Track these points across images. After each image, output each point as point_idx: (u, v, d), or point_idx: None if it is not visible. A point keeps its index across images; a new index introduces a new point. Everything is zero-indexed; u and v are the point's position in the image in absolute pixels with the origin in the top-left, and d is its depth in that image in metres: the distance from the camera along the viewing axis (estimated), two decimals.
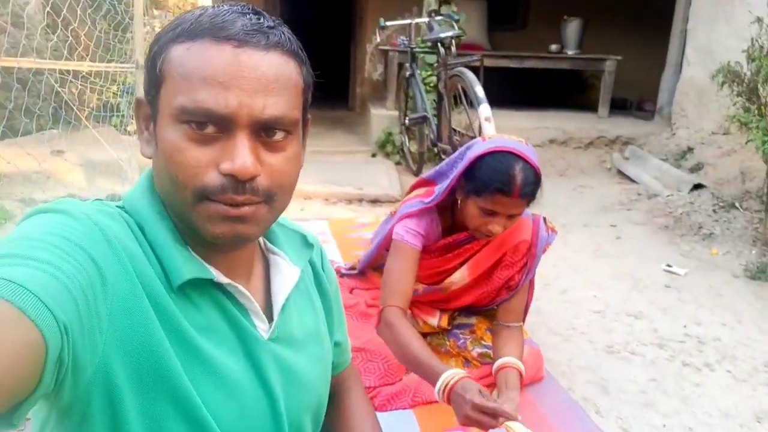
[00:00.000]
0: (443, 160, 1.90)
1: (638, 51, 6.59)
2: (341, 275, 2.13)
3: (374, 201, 4.06)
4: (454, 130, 4.22)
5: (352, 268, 2.27)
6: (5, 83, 4.12)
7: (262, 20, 0.69)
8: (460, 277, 1.85)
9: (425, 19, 4.42)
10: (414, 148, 4.78)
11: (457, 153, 1.76)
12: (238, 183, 0.66)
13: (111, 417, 0.64)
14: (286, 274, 0.84)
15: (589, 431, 1.69)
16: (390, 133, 5.28)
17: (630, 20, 6.99)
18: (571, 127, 5.46)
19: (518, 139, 1.65)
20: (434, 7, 5.05)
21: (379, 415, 1.66)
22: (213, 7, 0.70)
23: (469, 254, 1.82)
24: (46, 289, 0.52)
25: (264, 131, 0.68)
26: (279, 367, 0.79)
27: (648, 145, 5.19)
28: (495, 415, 1.31)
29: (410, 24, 4.55)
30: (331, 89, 8.44)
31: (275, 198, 0.71)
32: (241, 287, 0.75)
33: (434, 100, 4.48)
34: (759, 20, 3.42)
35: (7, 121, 3.94)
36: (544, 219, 1.85)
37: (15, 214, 3.34)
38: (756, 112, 3.26)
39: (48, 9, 4.23)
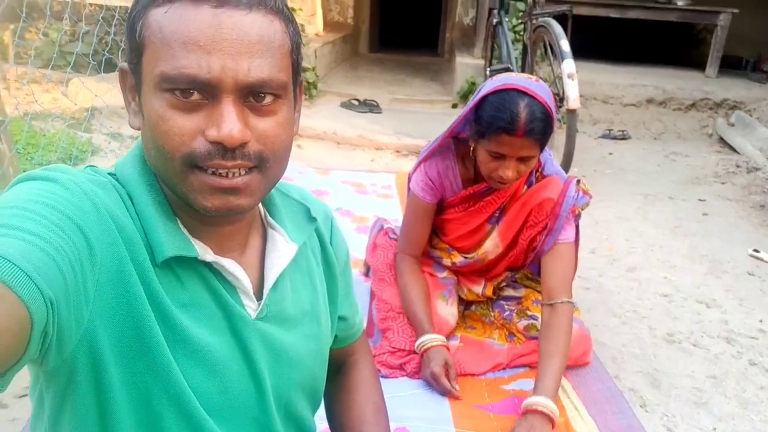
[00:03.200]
0: None
1: (759, 3, 5.92)
2: (391, 237, 2.10)
3: None
4: None
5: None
6: (104, 18, 4.30)
7: None
8: (492, 245, 1.80)
9: None
10: None
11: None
12: (227, 150, 0.64)
13: (96, 384, 0.65)
14: (282, 251, 0.81)
15: (628, 425, 1.60)
16: (474, 83, 5.07)
17: None
18: (672, 87, 5.04)
19: (528, 76, 1.56)
20: None
21: (410, 386, 1.68)
22: None
23: (492, 209, 1.75)
24: (32, 262, 0.52)
25: (252, 95, 0.65)
26: (266, 346, 0.78)
27: (759, 111, 4.71)
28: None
29: None
30: (421, 34, 8.25)
31: (268, 163, 0.68)
32: (228, 264, 0.74)
33: (521, 52, 4.25)
34: None
35: (102, 55, 4.13)
36: (578, 181, 1.73)
37: (101, 148, 3.53)
38: None
39: None
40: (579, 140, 3.62)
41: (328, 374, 0.94)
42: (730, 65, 5.86)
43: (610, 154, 4.21)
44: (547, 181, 1.72)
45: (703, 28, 6.52)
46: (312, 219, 0.87)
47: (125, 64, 0.70)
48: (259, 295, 0.78)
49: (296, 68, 0.72)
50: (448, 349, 1.72)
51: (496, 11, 4.42)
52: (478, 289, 1.93)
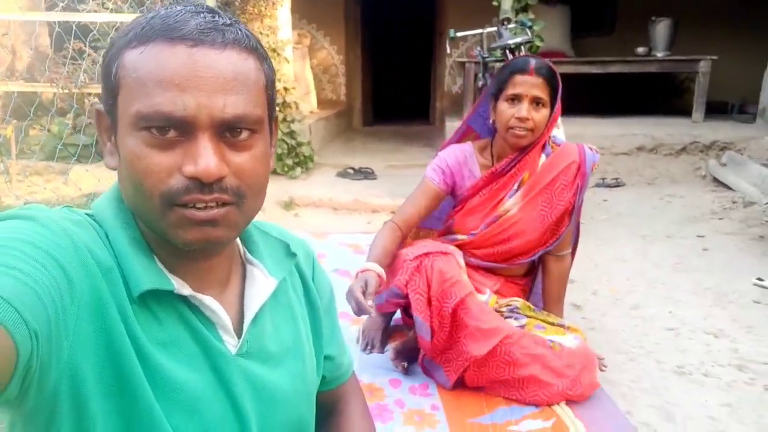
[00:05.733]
0: None
1: (738, 50, 6.12)
2: None
3: None
4: None
5: None
6: None
7: (217, 18, 0.67)
8: (513, 202, 1.91)
9: (495, 28, 4.31)
10: None
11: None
12: (204, 185, 0.64)
13: (77, 423, 0.63)
14: (261, 286, 0.80)
15: None
16: None
17: (726, 18, 6.49)
18: (661, 133, 5.12)
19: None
20: (509, 15, 4.94)
21: (408, 400, 1.77)
22: (165, 8, 0.69)
23: (515, 182, 1.91)
24: (17, 295, 0.52)
25: (228, 131, 0.66)
26: (249, 384, 0.75)
27: (748, 150, 4.76)
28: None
29: (482, 33, 4.46)
30: (414, 106, 8.51)
31: (245, 198, 0.69)
32: (206, 299, 0.73)
33: None
34: None
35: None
36: (585, 144, 1.99)
37: None
38: None
39: None
40: None
41: (318, 419, 0.91)
42: (717, 110, 5.97)
43: (605, 200, 4.23)
44: (565, 147, 1.97)
45: (686, 77, 6.70)
46: (291, 254, 0.87)
47: (100, 106, 0.71)
48: (238, 331, 0.77)
49: (271, 104, 0.73)
50: (380, 279, 1.72)
51: (480, 75, 4.59)
52: (483, 297, 1.92)
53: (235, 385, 0.73)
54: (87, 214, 0.72)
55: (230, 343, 0.75)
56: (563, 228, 1.96)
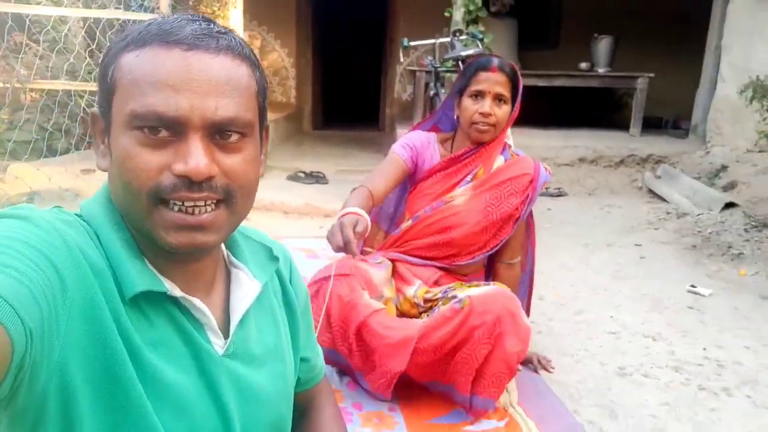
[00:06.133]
0: None
1: (673, 68, 6.46)
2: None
3: None
4: None
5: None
6: (46, 105, 4.31)
7: (211, 26, 0.69)
8: (462, 191, 1.96)
9: (448, 39, 4.42)
10: None
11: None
12: (193, 183, 0.66)
13: (65, 423, 0.63)
14: (246, 289, 0.82)
15: None
16: None
17: (663, 37, 6.85)
18: (601, 146, 5.35)
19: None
20: (460, 26, 5.06)
21: (366, 403, 1.76)
22: (162, 17, 0.71)
23: (467, 172, 1.97)
24: (14, 293, 0.52)
25: (218, 133, 0.68)
26: (234, 384, 0.77)
27: (681, 164, 5.04)
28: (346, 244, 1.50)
29: (434, 44, 4.56)
30: (363, 111, 8.56)
31: (235, 198, 0.70)
32: (196, 301, 0.74)
33: None
34: None
35: (46, 141, 4.11)
36: (542, 164, 2.05)
37: None
38: None
39: (83, 34, 4.41)
40: None
41: (292, 419, 0.93)
42: (653, 125, 6.28)
43: (549, 209, 4.39)
44: (522, 158, 2.04)
45: (624, 93, 7.02)
46: (274, 258, 0.89)
47: (96, 110, 0.72)
48: (224, 333, 0.78)
49: (262, 111, 0.75)
50: (367, 225, 1.63)
51: (432, 84, 4.68)
52: (411, 290, 1.90)
53: (222, 385, 0.75)
54: (76, 214, 0.73)
55: (217, 344, 0.77)
56: (504, 234, 1.97)
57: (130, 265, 0.69)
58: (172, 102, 0.64)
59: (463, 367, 1.68)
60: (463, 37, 4.51)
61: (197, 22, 0.68)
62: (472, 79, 1.88)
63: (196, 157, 0.65)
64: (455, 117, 2.00)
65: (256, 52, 6.31)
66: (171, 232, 0.67)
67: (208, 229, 0.69)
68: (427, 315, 1.85)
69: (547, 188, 4.98)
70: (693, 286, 2.91)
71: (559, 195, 4.87)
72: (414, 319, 1.84)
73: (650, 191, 4.85)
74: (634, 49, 6.53)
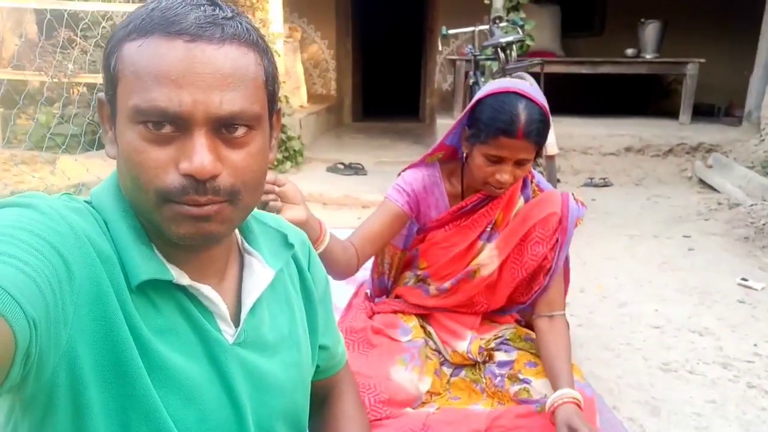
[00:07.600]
0: None
1: (726, 53, 6.20)
2: (367, 297, 1.91)
3: None
4: None
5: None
6: (92, 100, 4.43)
7: (217, 11, 0.66)
8: (488, 256, 1.65)
9: (487, 26, 4.33)
10: None
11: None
12: (199, 183, 0.64)
13: (74, 409, 0.63)
14: (259, 276, 0.81)
15: None
16: None
17: (714, 21, 6.56)
18: (648, 135, 5.18)
19: (522, 81, 1.54)
20: (500, 14, 4.96)
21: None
22: None
23: (487, 222, 1.64)
24: (14, 282, 0.52)
25: (224, 127, 0.66)
26: (246, 373, 0.76)
27: (734, 153, 4.84)
28: None
29: (474, 31, 4.48)
30: (403, 101, 8.51)
31: (240, 196, 0.69)
32: (204, 289, 0.73)
33: None
34: None
35: (93, 135, 4.23)
36: (572, 194, 1.69)
37: None
38: None
39: None
40: (561, 189, 3.68)
41: (312, 407, 0.92)
42: (704, 112, 6.04)
43: (593, 200, 4.27)
44: (547, 195, 1.68)
45: (673, 79, 6.77)
46: (289, 245, 0.87)
47: (102, 96, 0.71)
48: (236, 321, 0.77)
49: (271, 98, 0.73)
50: (320, 225, 1.47)
51: (471, 73, 4.61)
52: (463, 345, 1.68)
53: (232, 374, 0.74)
54: (86, 202, 0.72)
55: (227, 332, 0.76)
56: (537, 286, 1.65)
57: (137, 253, 0.69)
58: (175, 97, 0.62)
59: None
60: (503, 24, 4.41)
61: (202, 8, 0.66)
62: (491, 141, 1.46)
63: (201, 155, 0.64)
64: (464, 155, 1.64)
65: (297, 44, 6.36)
66: (179, 223, 0.67)
67: (214, 218, 0.68)
68: (483, 362, 1.67)
69: (591, 179, 4.86)
70: (744, 279, 2.78)
71: (605, 185, 4.74)
72: (476, 411, 1.55)
73: (701, 181, 4.67)
74: (683, 34, 6.27)
